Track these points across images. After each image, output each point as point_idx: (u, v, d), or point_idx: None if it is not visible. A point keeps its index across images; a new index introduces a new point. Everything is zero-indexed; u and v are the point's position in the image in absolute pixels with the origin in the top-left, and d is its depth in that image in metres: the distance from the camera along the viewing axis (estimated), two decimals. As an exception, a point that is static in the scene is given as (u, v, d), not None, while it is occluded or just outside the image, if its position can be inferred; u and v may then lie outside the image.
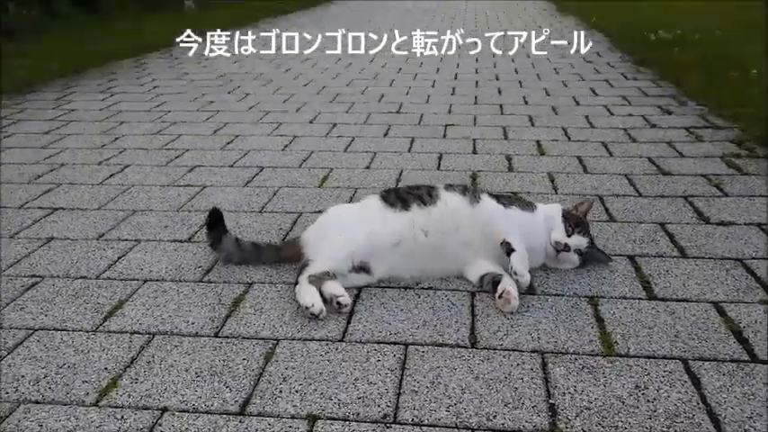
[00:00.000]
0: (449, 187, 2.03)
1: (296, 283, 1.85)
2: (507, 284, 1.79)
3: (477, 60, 5.92)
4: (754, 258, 2.04)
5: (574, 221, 1.97)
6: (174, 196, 2.69)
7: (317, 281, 1.82)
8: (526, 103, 4.21)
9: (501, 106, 4.12)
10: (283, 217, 2.46)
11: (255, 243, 2.10)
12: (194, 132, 3.67)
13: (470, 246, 1.93)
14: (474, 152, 3.20)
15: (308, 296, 1.77)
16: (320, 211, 2.46)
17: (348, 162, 3.09)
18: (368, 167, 3.01)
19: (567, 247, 1.94)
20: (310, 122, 3.86)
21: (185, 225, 2.40)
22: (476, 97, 4.40)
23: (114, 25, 8.09)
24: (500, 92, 4.55)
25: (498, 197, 2.04)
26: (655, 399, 1.42)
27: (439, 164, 3.04)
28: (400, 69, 5.58)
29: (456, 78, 5.09)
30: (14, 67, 5.45)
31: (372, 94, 4.60)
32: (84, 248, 2.23)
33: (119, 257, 2.16)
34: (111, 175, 2.97)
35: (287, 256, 2.05)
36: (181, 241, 2.27)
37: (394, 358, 1.58)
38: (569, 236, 1.94)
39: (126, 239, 2.29)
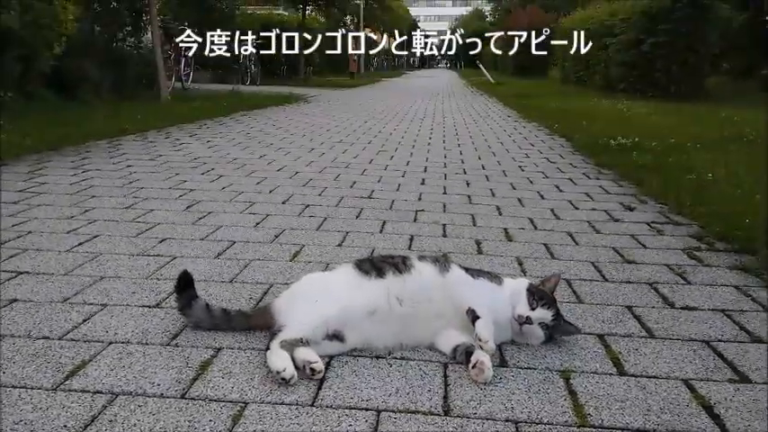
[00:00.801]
0: (422, 257, 2.06)
1: (267, 349, 1.81)
2: (481, 355, 1.79)
3: (445, 156, 6.10)
4: (720, 341, 2.08)
5: (538, 295, 1.99)
6: (143, 265, 2.66)
7: (289, 347, 1.79)
8: (493, 195, 4.34)
9: (469, 197, 4.23)
10: (254, 287, 2.44)
11: (225, 309, 2.08)
12: (166, 208, 3.67)
13: (443, 316, 1.94)
14: (444, 235, 3.26)
15: (280, 361, 1.74)
16: (292, 283, 2.46)
17: (320, 240, 3.11)
18: (339, 245, 3.03)
19: (529, 320, 1.95)
20: (283, 203, 3.89)
21: (154, 292, 2.36)
22: (444, 188, 4.52)
23: (90, 112, 8.18)
24: (468, 184, 4.69)
25: (467, 269, 2.07)
26: (630, 468, 1.40)
27: (410, 244, 3.08)
28: (371, 160, 5.71)
29: (425, 171, 5.23)
30: (-14, 140, 5.44)
31: (344, 180, 4.69)
32: (48, 311, 2.17)
33: (84, 320, 2.10)
34: (80, 244, 2.93)
35: (257, 323, 2.03)
36: (149, 306, 2.22)
37: (366, 423, 1.55)
38: (533, 309, 1.96)
39: (92, 303, 2.24)
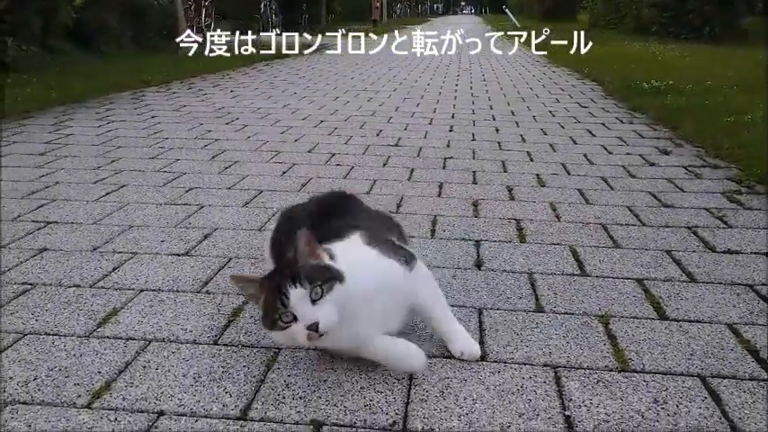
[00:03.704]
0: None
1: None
2: None
3: (473, 103, 5.97)
4: (764, 284, 2.00)
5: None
6: (171, 214, 2.64)
7: None
8: (524, 140, 4.23)
9: (499, 143, 4.13)
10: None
11: None
12: (191, 158, 3.64)
13: None
14: (474, 182, 3.18)
15: None
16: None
17: (347, 188, 3.06)
18: (367, 193, 2.98)
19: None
20: (308, 152, 3.84)
21: (183, 240, 2.34)
22: (473, 134, 4.41)
23: (112, 64, 8.14)
24: (497, 130, 4.57)
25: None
26: (675, 413, 1.36)
27: (439, 192, 3.01)
28: (397, 108, 5.61)
29: (453, 118, 5.12)
30: (14, 94, 5.44)
31: (370, 128, 4.61)
32: (78, 259, 2.16)
33: (114, 268, 2.09)
34: (107, 194, 2.91)
35: None
36: (178, 255, 2.21)
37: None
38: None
39: (121, 252, 2.23)
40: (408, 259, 1.53)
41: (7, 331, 1.68)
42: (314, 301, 1.29)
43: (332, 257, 1.39)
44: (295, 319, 1.29)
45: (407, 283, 1.50)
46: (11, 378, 1.47)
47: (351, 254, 1.43)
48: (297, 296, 1.28)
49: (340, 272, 1.34)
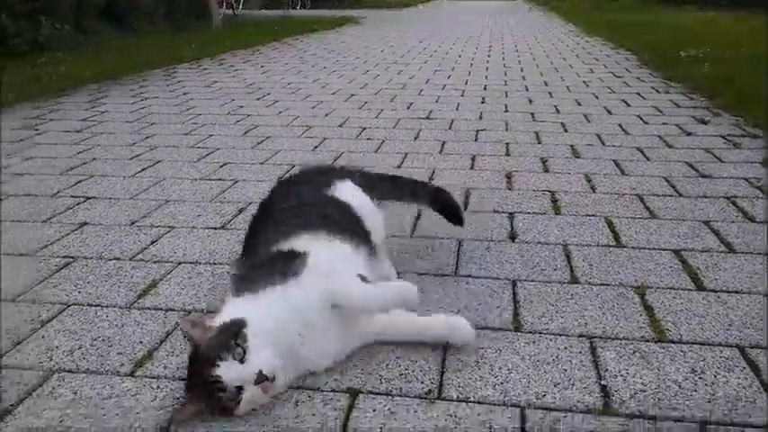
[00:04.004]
0: None
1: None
2: None
3: (505, 74, 5.89)
4: (805, 254, 1.96)
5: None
6: (206, 189, 2.68)
7: None
8: (558, 111, 4.17)
9: (532, 114, 4.08)
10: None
11: None
12: (225, 133, 3.67)
13: None
14: (507, 154, 3.16)
15: None
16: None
17: (379, 161, 3.06)
18: (399, 167, 2.98)
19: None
20: (339, 126, 3.84)
21: (218, 214, 2.37)
22: (506, 105, 4.37)
23: (144, 42, 8.21)
24: (530, 101, 4.52)
25: None
26: (713, 383, 1.35)
27: (472, 164, 2.99)
28: (428, 80, 5.57)
29: (485, 89, 5.06)
30: (48, 72, 5.53)
31: (401, 101, 4.59)
32: (117, 233, 2.21)
33: (152, 242, 2.13)
34: (143, 169, 2.96)
35: None
36: (215, 228, 2.24)
37: (436, 339, 1.53)
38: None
39: (159, 226, 2.27)
40: (295, 268, 1.38)
41: (51, 302, 1.73)
42: (242, 361, 1.20)
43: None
44: (240, 388, 1.20)
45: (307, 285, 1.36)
46: (56, 347, 1.52)
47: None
48: (225, 371, 1.18)
49: (237, 320, 1.25)
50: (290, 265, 1.39)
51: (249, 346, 1.21)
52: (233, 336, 1.21)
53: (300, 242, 1.49)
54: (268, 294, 1.33)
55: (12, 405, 1.31)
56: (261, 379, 1.20)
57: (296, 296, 1.34)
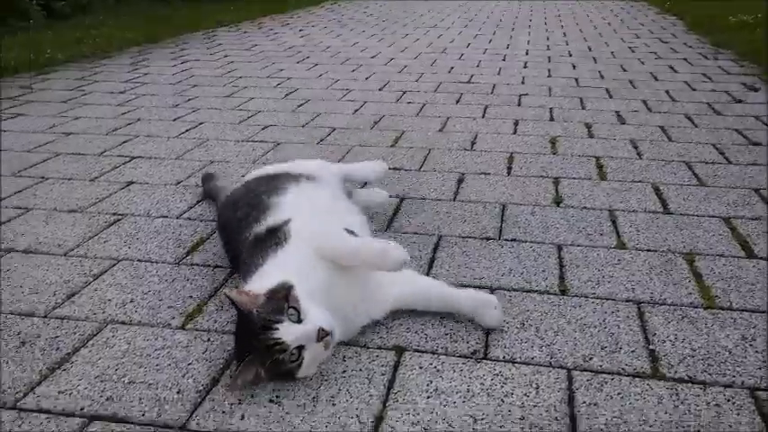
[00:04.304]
0: None
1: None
2: None
3: (547, 38, 5.77)
4: None
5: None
6: (249, 150, 2.70)
7: None
8: (602, 77, 4.08)
9: (576, 79, 4.00)
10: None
11: None
12: (265, 96, 3.67)
13: None
14: (551, 119, 3.11)
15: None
16: (395, 168, 2.43)
17: (420, 125, 3.04)
18: (441, 130, 2.96)
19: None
20: (379, 90, 3.82)
21: (261, 175, 2.39)
22: (549, 71, 4.29)
23: (183, 4, 8.21)
24: (574, 67, 4.42)
25: None
26: (764, 350, 1.33)
27: (515, 129, 2.96)
28: (469, 44, 5.49)
29: (527, 54, 4.97)
30: (91, 35, 5.59)
31: (441, 65, 4.53)
32: (164, 192, 2.24)
33: (197, 201, 2.16)
34: (187, 131, 2.99)
35: None
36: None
37: (481, 300, 1.53)
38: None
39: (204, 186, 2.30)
40: (283, 234, 1.40)
41: (102, 257, 1.77)
42: (299, 321, 1.21)
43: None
44: (300, 348, 1.20)
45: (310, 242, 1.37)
46: (109, 300, 1.56)
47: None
48: (285, 332, 1.17)
49: (283, 283, 1.24)
50: (282, 236, 1.39)
51: (302, 306, 1.22)
52: (284, 298, 1.22)
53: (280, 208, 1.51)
54: (296, 257, 1.33)
55: (68, 353, 1.36)
56: (322, 335, 1.20)
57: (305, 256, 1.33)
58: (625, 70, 4.28)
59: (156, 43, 5.61)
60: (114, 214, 2.06)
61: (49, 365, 1.32)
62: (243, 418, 1.16)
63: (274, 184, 1.65)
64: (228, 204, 1.73)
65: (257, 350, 1.18)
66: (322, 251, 1.34)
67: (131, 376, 1.28)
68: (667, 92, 3.64)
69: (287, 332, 1.17)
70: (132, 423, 1.16)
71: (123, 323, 1.46)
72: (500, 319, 1.41)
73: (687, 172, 2.37)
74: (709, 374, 1.26)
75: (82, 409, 1.19)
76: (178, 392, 1.23)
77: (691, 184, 2.26)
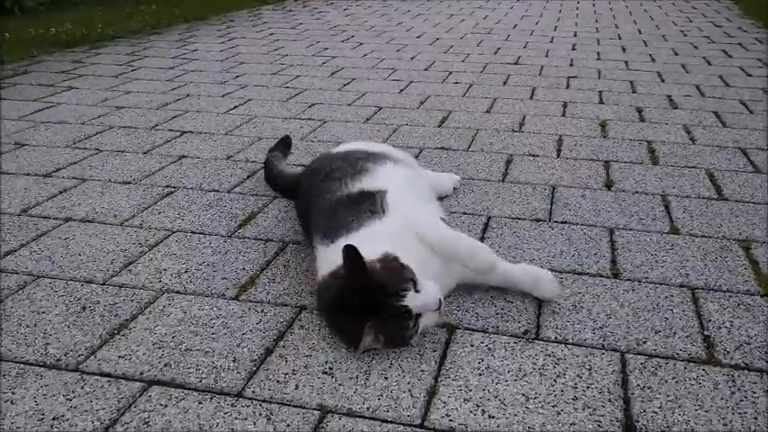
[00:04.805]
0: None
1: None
2: None
3: (596, 21, 5.66)
4: None
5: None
6: (296, 128, 2.71)
7: None
8: (653, 60, 3.99)
9: (626, 63, 3.92)
10: (406, 151, 2.42)
11: None
12: (311, 74, 3.69)
13: None
14: (601, 102, 3.06)
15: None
16: (443, 148, 2.43)
17: (467, 106, 3.02)
18: (488, 111, 2.93)
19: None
20: (425, 70, 3.80)
21: (309, 153, 2.40)
22: (598, 53, 4.21)
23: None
24: (623, 50, 4.33)
25: None
26: (824, 340, 1.30)
27: (564, 111, 2.92)
28: (515, 26, 5.41)
29: (575, 36, 4.89)
30: (141, 12, 5.67)
31: (488, 46, 4.48)
32: (215, 166, 2.28)
33: (248, 176, 2.19)
34: (235, 107, 3.02)
35: None
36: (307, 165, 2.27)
37: (531, 281, 1.52)
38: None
39: (254, 161, 2.33)
40: (379, 204, 1.44)
41: (157, 228, 1.81)
42: (417, 291, 1.23)
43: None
44: (417, 317, 1.24)
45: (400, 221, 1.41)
46: (165, 270, 1.60)
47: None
48: (412, 301, 1.21)
49: (389, 254, 1.27)
50: (378, 205, 1.43)
51: (417, 277, 1.24)
52: (401, 268, 1.24)
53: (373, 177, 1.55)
54: (399, 234, 1.35)
55: (126, 320, 1.40)
56: (440, 305, 1.25)
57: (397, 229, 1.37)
58: (677, 54, 4.18)
59: (203, 20, 5.67)
60: (167, 186, 2.11)
61: (109, 331, 1.36)
62: (297, 387, 1.19)
63: (373, 154, 1.69)
64: (320, 160, 1.79)
65: (386, 314, 1.20)
66: (423, 236, 1.38)
67: (188, 344, 1.31)
68: (721, 77, 3.54)
69: (413, 300, 1.21)
70: (190, 389, 1.19)
71: (179, 292, 1.50)
72: (558, 290, 1.42)
73: (742, 158, 2.31)
74: (766, 363, 1.24)
75: (141, 373, 1.23)
76: (234, 361, 1.26)
77: (746, 170, 2.20)
